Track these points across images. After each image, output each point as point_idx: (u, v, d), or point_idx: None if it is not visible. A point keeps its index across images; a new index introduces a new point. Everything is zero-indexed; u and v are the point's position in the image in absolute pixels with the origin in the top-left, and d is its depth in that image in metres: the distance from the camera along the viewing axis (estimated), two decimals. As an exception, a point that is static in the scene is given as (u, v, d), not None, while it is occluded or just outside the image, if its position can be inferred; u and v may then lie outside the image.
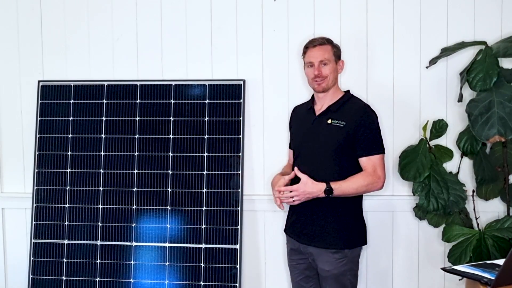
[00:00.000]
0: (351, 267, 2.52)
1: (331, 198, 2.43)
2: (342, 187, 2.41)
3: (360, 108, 2.53)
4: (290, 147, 2.80)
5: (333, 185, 2.40)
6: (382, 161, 2.50)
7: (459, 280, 2.76)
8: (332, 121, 2.50)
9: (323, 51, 2.53)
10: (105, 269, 3.00)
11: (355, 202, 2.54)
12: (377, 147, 2.49)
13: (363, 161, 2.48)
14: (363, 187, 2.44)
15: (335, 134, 2.48)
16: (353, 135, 2.46)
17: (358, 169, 2.49)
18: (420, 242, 2.99)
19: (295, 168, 2.48)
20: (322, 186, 2.40)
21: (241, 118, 2.97)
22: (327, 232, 2.50)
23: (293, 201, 2.45)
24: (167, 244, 2.97)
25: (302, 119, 2.67)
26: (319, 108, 2.59)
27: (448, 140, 2.90)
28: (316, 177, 2.44)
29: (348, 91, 2.64)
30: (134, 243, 2.99)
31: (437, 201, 2.70)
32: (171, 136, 3.01)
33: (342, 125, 2.47)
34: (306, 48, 2.57)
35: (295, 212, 2.61)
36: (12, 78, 3.19)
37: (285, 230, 2.71)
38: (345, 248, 2.48)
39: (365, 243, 2.59)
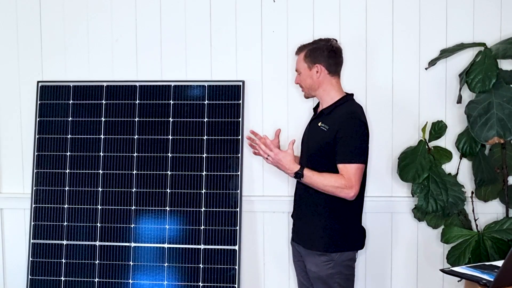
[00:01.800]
0: (340, 270, 2.47)
1: (322, 199, 2.45)
2: (312, 178, 2.41)
3: (344, 114, 2.45)
4: None
5: (306, 172, 2.40)
6: (359, 171, 2.40)
7: (458, 281, 2.76)
8: (321, 125, 2.51)
9: (297, 60, 2.61)
10: (104, 269, 3.00)
11: (350, 205, 2.47)
12: (356, 156, 2.39)
13: (340, 167, 2.41)
14: (331, 187, 2.38)
15: (318, 137, 2.50)
16: (333, 140, 2.42)
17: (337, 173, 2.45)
18: (419, 243, 2.99)
19: (292, 140, 2.48)
20: (295, 167, 2.41)
21: (240, 119, 2.97)
22: (312, 233, 2.51)
23: (266, 158, 2.47)
24: (166, 245, 2.97)
25: (310, 119, 2.72)
26: (319, 110, 2.61)
27: (447, 141, 2.90)
28: None
29: (351, 94, 2.59)
30: (133, 244, 2.99)
31: (436, 202, 2.70)
32: (170, 137, 3.01)
33: (325, 129, 2.47)
34: None
35: (293, 210, 2.68)
36: (11, 78, 3.19)
37: None
38: (327, 252, 2.46)
39: (356, 248, 2.54)
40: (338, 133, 2.41)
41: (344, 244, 2.49)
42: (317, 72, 2.51)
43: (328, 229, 2.48)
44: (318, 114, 2.58)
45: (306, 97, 2.64)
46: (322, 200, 2.46)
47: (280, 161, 2.43)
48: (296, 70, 2.61)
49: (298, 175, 2.41)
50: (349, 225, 2.51)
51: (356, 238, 2.54)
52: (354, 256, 2.54)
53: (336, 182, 2.37)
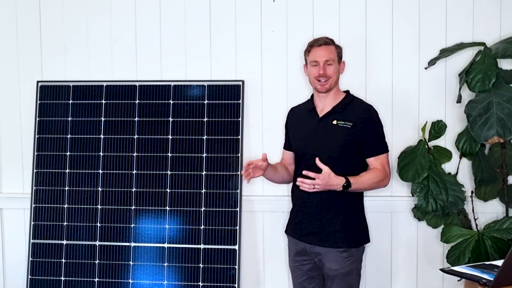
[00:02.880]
0: (357, 266, 2.56)
1: (337, 197, 2.48)
2: (358, 182, 2.45)
3: (366, 108, 2.57)
4: (285, 148, 2.79)
5: (351, 179, 2.43)
6: (388, 159, 2.57)
7: (458, 281, 2.76)
8: (338, 122, 2.51)
9: (329, 51, 2.53)
10: (104, 269, 3.00)
11: (358, 200, 2.58)
12: (383, 146, 2.56)
13: (371, 161, 2.52)
14: (375, 184, 2.50)
15: (341, 135, 2.50)
16: (360, 136, 2.49)
17: (363, 168, 2.53)
18: (419, 243, 2.99)
19: (317, 158, 2.42)
20: (341, 180, 2.41)
21: (240, 119, 2.97)
22: (335, 231, 2.52)
23: (313, 188, 2.40)
24: (165, 245, 2.97)
25: (304, 121, 2.66)
26: (321, 109, 2.59)
27: (447, 141, 2.90)
28: None
29: (348, 91, 2.65)
30: (132, 244, 2.99)
31: (436, 202, 2.70)
32: (170, 136, 3.01)
33: (349, 126, 2.49)
34: (311, 46, 2.56)
35: (300, 212, 2.61)
36: (11, 78, 3.18)
37: (287, 231, 2.71)
38: (352, 247, 2.52)
39: (367, 241, 2.63)
40: (365, 128, 2.49)
41: (362, 238, 2.59)
42: (341, 69, 2.61)
43: (349, 225, 2.53)
44: (329, 112, 2.55)
45: (328, 90, 2.53)
46: (337, 197, 2.48)
47: (328, 183, 2.39)
48: (327, 60, 2.51)
49: (347, 186, 2.42)
50: (362, 219, 2.61)
51: (367, 232, 2.63)
52: (364, 251, 2.63)
53: (377, 177, 2.49)
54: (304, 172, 2.42)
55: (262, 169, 2.58)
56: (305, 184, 2.39)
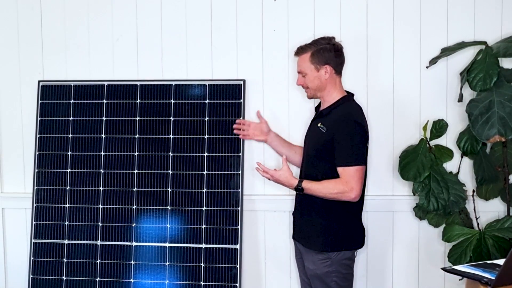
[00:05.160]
0: (337, 269, 2.48)
1: (317, 198, 2.47)
2: (312, 189, 2.45)
3: (341, 116, 2.46)
4: None
5: (305, 184, 2.46)
6: (359, 173, 2.41)
7: (459, 280, 2.76)
8: (320, 125, 2.52)
9: (300, 62, 2.57)
10: (105, 269, 3.00)
11: (344, 205, 2.47)
12: (353, 159, 2.40)
13: (339, 171, 2.42)
14: (331, 194, 2.41)
15: (318, 138, 2.51)
16: (331, 143, 2.44)
17: (336, 175, 2.45)
18: (420, 242, 2.99)
19: (283, 156, 2.57)
20: (294, 182, 2.48)
21: (241, 118, 2.97)
22: (310, 232, 2.54)
23: (269, 179, 2.60)
24: (167, 244, 2.98)
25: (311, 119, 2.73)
26: (320, 110, 2.62)
27: (448, 140, 2.90)
28: (302, 176, 2.57)
29: (352, 95, 2.60)
30: (134, 243, 2.99)
31: (437, 201, 2.70)
32: (171, 136, 3.01)
33: (324, 131, 2.49)
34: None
35: (294, 209, 2.69)
36: (12, 78, 3.19)
37: None
38: (323, 251, 2.48)
39: (354, 247, 2.54)
40: (335, 136, 2.43)
41: (341, 243, 2.50)
42: (325, 73, 2.51)
43: (325, 229, 2.49)
44: (318, 114, 2.60)
45: (310, 97, 2.64)
46: (320, 199, 2.47)
47: (279, 180, 2.52)
48: (300, 72, 2.58)
49: (298, 189, 2.47)
50: (347, 224, 2.52)
51: (354, 237, 2.54)
52: (352, 256, 2.54)
53: (334, 189, 2.41)
54: (257, 162, 2.64)
55: (262, 130, 2.80)
56: (258, 171, 2.58)
